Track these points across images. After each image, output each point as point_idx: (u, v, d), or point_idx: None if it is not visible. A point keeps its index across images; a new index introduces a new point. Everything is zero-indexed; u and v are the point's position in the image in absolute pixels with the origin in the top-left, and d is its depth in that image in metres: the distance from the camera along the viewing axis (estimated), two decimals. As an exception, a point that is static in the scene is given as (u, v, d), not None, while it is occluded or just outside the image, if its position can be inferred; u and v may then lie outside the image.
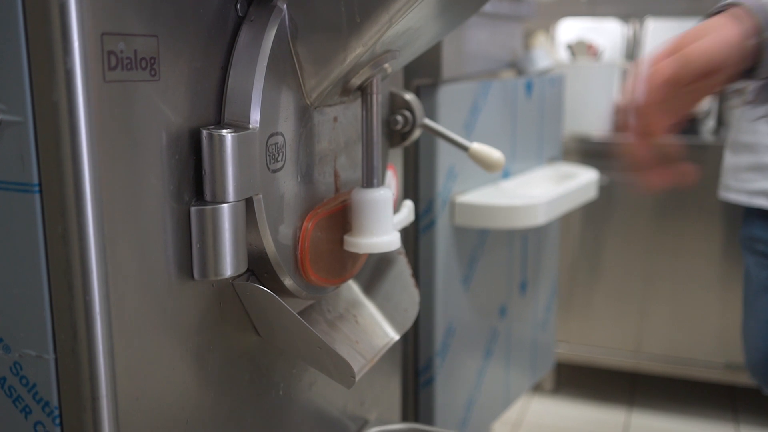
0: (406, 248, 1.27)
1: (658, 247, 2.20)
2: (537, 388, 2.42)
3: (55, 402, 0.57)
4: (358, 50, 0.69)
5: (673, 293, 2.20)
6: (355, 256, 0.84)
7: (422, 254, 1.27)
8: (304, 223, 0.75)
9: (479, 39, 1.40)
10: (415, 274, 1.28)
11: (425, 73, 1.22)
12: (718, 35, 0.74)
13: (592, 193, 1.62)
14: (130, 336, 0.59)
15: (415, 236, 1.27)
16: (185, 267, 0.64)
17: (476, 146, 0.97)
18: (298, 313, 0.82)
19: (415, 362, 1.31)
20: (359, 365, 0.81)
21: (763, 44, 0.75)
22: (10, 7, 0.52)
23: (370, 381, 1.02)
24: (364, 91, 0.77)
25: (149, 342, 0.61)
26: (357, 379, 0.76)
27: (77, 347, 0.56)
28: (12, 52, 0.52)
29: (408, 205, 0.96)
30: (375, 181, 0.78)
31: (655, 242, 2.20)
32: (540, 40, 2.37)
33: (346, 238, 0.79)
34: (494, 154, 0.96)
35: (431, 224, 1.25)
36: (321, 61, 0.71)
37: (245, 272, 0.72)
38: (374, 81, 0.77)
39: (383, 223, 0.78)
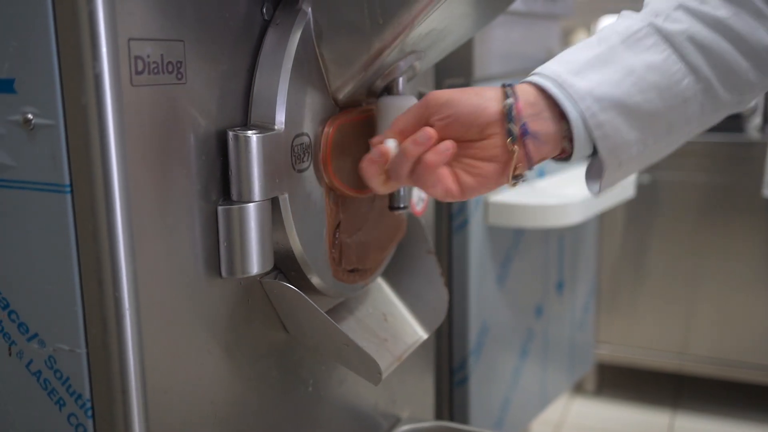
0: (439, 247, 1.28)
1: (704, 246, 2.16)
2: (579, 389, 2.40)
3: (87, 395, 0.59)
4: (381, 52, 0.70)
5: (720, 293, 2.17)
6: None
7: (455, 253, 1.27)
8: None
9: (512, 38, 1.40)
10: (449, 273, 1.28)
11: (457, 72, 1.22)
12: (470, 99, 0.68)
13: (629, 192, 1.61)
14: (159, 331, 0.61)
15: (448, 235, 1.27)
16: (213, 265, 0.66)
17: (506, 145, 0.97)
18: (327, 312, 0.83)
19: (449, 361, 1.32)
20: (386, 362, 0.82)
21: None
22: (41, 14, 0.54)
23: (401, 379, 1.03)
24: (389, 91, 0.78)
25: (178, 337, 0.63)
26: (384, 376, 0.77)
27: (107, 342, 0.58)
28: (44, 58, 0.54)
29: None
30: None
31: (701, 241, 2.16)
32: (580, 38, 2.35)
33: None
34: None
35: (464, 223, 1.26)
36: (345, 62, 0.72)
37: (273, 270, 0.74)
38: (399, 81, 0.78)
39: None
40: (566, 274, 1.62)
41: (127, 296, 0.57)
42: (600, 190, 0.73)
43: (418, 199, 1.03)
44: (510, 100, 0.67)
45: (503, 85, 0.69)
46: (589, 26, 2.61)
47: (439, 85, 1.14)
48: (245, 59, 0.68)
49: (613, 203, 1.52)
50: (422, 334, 0.91)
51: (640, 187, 2.11)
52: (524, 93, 0.69)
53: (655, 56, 0.69)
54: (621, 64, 0.68)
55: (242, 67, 0.67)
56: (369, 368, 0.76)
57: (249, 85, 0.68)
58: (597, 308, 2.22)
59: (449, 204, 1.26)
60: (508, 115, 0.67)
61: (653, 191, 2.19)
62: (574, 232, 1.63)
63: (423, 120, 0.70)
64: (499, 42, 1.33)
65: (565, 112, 0.67)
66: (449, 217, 1.26)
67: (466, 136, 0.68)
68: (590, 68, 0.68)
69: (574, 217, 1.31)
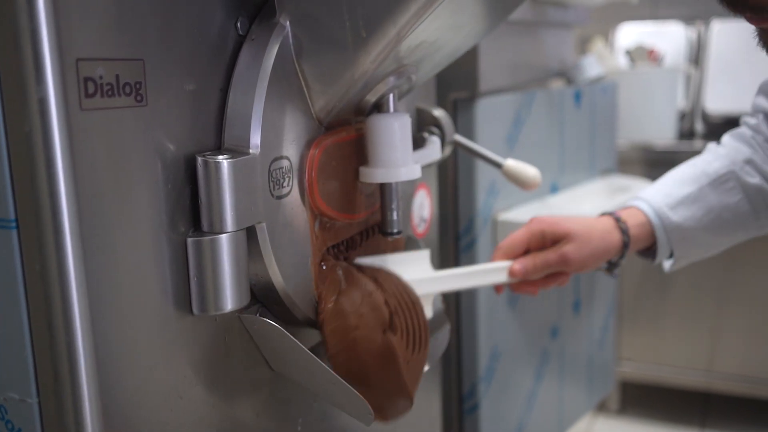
0: (446, 268, 1.22)
1: (730, 259, 2.08)
2: (601, 408, 2.32)
3: (40, 448, 0.54)
4: (366, 67, 0.65)
5: (749, 308, 2.08)
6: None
7: (463, 275, 1.21)
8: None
9: (522, 48, 1.34)
10: (456, 297, 1.22)
11: (462, 86, 1.16)
12: (596, 248, 0.90)
13: (648, 207, 1.53)
14: (121, 378, 0.56)
15: (455, 256, 1.21)
16: (183, 302, 0.60)
17: (510, 163, 0.91)
18: (319, 343, 0.78)
19: (458, 388, 1.26)
20: (380, 400, 0.76)
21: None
22: (-21, 35, 0.49)
23: (405, 411, 0.97)
24: (379, 109, 0.73)
25: (143, 383, 0.58)
26: (375, 416, 0.71)
27: (60, 391, 0.53)
28: (-17, 82, 0.50)
29: (434, 142, 0.89)
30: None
31: (727, 254, 2.07)
32: (597, 47, 2.29)
33: (362, 169, 0.73)
34: (529, 171, 0.90)
35: (472, 243, 1.19)
36: (328, 79, 0.67)
37: (255, 304, 0.68)
38: (390, 98, 0.72)
39: (401, 151, 0.72)
40: (583, 293, 1.55)
41: (81, 340, 0.52)
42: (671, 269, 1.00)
43: (420, 219, 0.97)
44: (626, 238, 0.92)
45: (611, 216, 0.94)
46: (607, 34, 2.54)
47: (441, 99, 1.09)
48: (217, 78, 0.62)
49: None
50: (422, 367, 0.85)
51: (662, 199, 2.03)
52: (631, 217, 0.94)
53: (731, 198, 0.94)
54: (705, 202, 0.94)
55: (214, 86, 0.62)
56: (358, 408, 0.70)
57: (222, 105, 0.63)
58: (619, 324, 2.14)
59: (455, 224, 1.20)
60: (625, 248, 0.92)
61: (676, 203, 2.11)
62: (591, 248, 1.56)
63: (535, 245, 0.91)
64: (506, 52, 1.27)
65: (657, 238, 0.95)
66: (456, 238, 1.21)
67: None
68: (682, 205, 0.94)
69: (588, 235, 1.24)
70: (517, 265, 0.89)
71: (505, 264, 0.89)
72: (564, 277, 0.93)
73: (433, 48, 0.71)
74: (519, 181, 0.91)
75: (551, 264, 0.89)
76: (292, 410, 0.76)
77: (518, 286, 0.91)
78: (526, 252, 0.91)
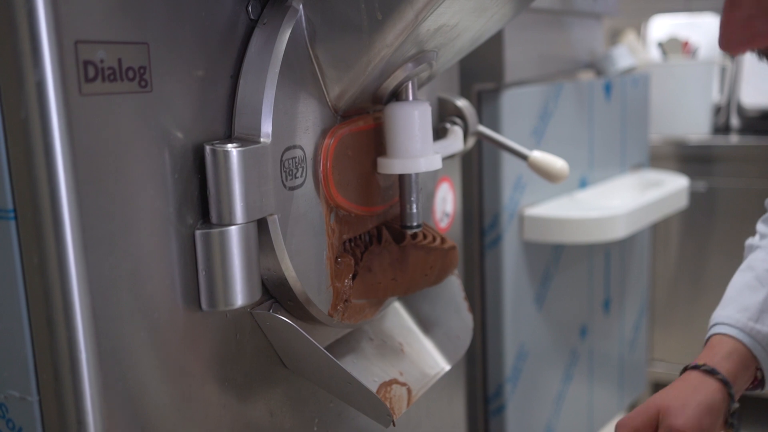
0: (471, 265, 1.19)
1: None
2: (632, 410, 2.27)
3: (41, 447, 0.52)
4: (383, 51, 0.62)
5: (783, 308, 2.01)
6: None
7: (489, 272, 1.18)
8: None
9: (550, 38, 1.30)
10: (482, 294, 1.19)
11: (487, 76, 1.13)
12: (698, 405, 0.75)
13: (681, 202, 1.49)
14: (126, 375, 0.53)
15: (480, 253, 1.18)
16: (191, 296, 0.58)
17: (536, 155, 0.88)
18: (336, 341, 0.75)
19: (483, 388, 1.22)
20: (400, 401, 0.73)
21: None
22: (-26, 16, 0.47)
23: (427, 410, 0.94)
24: (398, 97, 0.70)
25: (148, 382, 0.55)
26: (396, 417, 0.69)
27: (60, 389, 0.51)
28: (-21, 66, 0.48)
29: (456, 132, 0.85)
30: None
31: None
32: (629, 39, 2.23)
33: (379, 159, 0.71)
34: (557, 163, 0.86)
35: (497, 240, 1.16)
36: (343, 65, 0.64)
37: (269, 299, 0.66)
38: (409, 86, 0.69)
39: (420, 141, 0.69)
40: (614, 291, 1.51)
41: (83, 336, 0.50)
42: None
43: (443, 214, 0.94)
44: (720, 376, 0.76)
45: (691, 368, 0.79)
46: (639, 27, 2.48)
47: (465, 90, 1.05)
48: (227, 63, 0.60)
49: (662, 215, 1.41)
50: (444, 366, 0.82)
51: (696, 196, 1.98)
52: (714, 352, 0.79)
53: None
54: None
55: (224, 72, 0.60)
56: (377, 410, 0.67)
57: (233, 92, 0.60)
58: (651, 324, 2.09)
59: (480, 219, 1.17)
60: (727, 386, 0.77)
61: (710, 199, 2.06)
62: (622, 246, 1.52)
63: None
64: (533, 43, 1.23)
65: (757, 357, 0.79)
66: (481, 234, 1.17)
67: None
68: (766, 312, 0.82)
69: (619, 232, 1.20)
70: None
71: None
72: None
73: (455, 32, 0.68)
74: (546, 174, 0.87)
75: None
76: (308, 410, 0.73)
77: None
78: None
